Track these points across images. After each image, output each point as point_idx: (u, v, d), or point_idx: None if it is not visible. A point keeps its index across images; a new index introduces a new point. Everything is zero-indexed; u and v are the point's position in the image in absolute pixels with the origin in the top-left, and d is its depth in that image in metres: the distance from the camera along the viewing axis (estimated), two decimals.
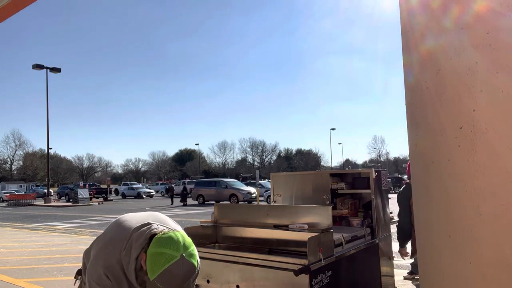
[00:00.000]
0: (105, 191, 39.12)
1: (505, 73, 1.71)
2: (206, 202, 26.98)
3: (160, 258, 1.49)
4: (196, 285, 3.06)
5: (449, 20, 1.87)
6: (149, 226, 1.66)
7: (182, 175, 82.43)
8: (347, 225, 3.89)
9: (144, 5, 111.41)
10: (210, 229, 3.59)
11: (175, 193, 29.39)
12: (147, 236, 1.60)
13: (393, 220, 4.41)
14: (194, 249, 1.59)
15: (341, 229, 3.58)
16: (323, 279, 2.88)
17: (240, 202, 24.35)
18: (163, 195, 41.79)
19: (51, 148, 41.87)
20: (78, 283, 1.90)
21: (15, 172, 79.06)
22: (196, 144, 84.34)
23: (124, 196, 42.33)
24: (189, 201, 28.28)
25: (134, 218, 1.75)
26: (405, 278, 5.75)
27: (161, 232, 1.61)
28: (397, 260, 6.59)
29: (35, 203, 31.99)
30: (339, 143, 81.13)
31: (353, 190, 4.07)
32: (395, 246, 4.27)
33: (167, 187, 37.83)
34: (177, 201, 28.28)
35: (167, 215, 1.93)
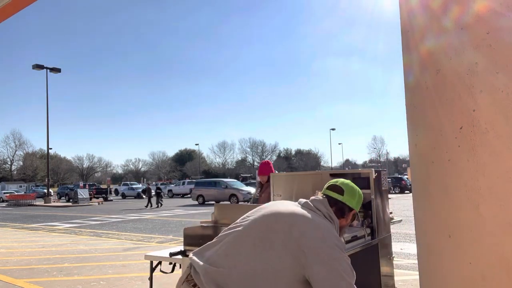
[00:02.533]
0: (105, 191, 39.09)
1: (505, 73, 1.71)
2: (206, 202, 26.98)
3: (358, 193, 1.98)
4: None
5: (449, 20, 1.87)
6: (311, 200, 1.90)
7: (182, 175, 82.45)
8: None
9: (144, 6, 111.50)
10: (210, 229, 3.59)
11: (152, 194, 26.74)
12: (323, 201, 1.88)
13: (393, 220, 4.40)
14: None
15: None
16: None
17: (240, 202, 24.36)
18: (163, 195, 41.75)
19: (51, 148, 41.88)
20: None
21: (15, 172, 79.07)
22: (196, 144, 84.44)
23: (124, 196, 42.31)
24: (186, 201, 27.56)
25: (288, 205, 1.85)
26: None
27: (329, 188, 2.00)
28: (397, 260, 6.60)
29: (35, 203, 31.99)
30: (339, 143, 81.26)
31: None
32: (395, 246, 4.27)
33: (144, 188, 34.79)
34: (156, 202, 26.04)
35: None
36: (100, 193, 38.00)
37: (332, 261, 1.57)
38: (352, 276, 1.60)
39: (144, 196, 35.40)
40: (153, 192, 27.01)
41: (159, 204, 25.76)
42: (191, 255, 1.81)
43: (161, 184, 51.11)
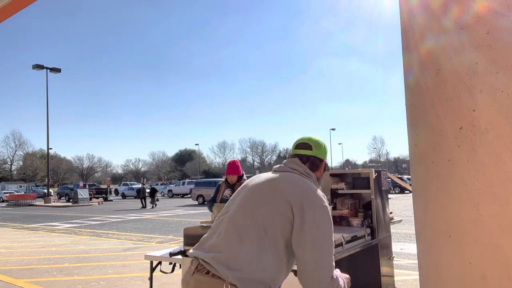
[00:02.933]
0: (105, 191, 39.09)
1: (505, 73, 1.71)
2: (206, 202, 26.93)
3: (323, 144, 2.07)
4: None
5: (449, 20, 1.87)
6: (284, 163, 2.01)
7: (182, 175, 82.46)
8: (347, 225, 3.89)
9: (144, 7, 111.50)
10: None
11: (146, 195, 26.28)
12: (295, 161, 1.98)
13: (393, 220, 4.40)
14: None
15: (341, 229, 3.58)
16: None
17: None
18: (163, 195, 41.72)
19: (51, 148, 41.88)
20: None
21: (15, 172, 79.05)
22: (196, 144, 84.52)
23: (124, 196, 42.30)
24: (186, 201, 27.22)
25: (265, 175, 1.99)
26: None
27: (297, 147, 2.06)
28: (397, 260, 6.60)
29: (35, 203, 32.00)
30: (339, 143, 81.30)
31: (353, 190, 4.07)
32: (395, 246, 4.26)
33: (138, 188, 33.75)
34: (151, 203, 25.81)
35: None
36: (100, 193, 38.00)
37: (317, 208, 1.77)
38: (332, 224, 1.82)
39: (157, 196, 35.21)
40: (149, 191, 26.65)
41: (153, 205, 25.41)
42: (191, 251, 1.86)
43: (161, 184, 51.07)
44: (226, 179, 4.80)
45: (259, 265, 1.67)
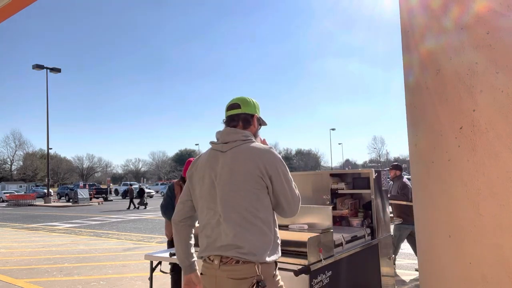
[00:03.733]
0: (105, 191, 39.06)
1: (505, 73, 1.71)
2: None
3: (251, 101, 2.18)
4: None
5: (449, 20, 1.87)
6: (224, 136, 2.10)
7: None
8: (347, 225, 3.89)
9: (144, 7, 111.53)
10: None
11: (134, 196, 25.60)
12: (228, 132, 2.10)
13: (393, 220, 4.40)
14: None
15: (341, 229, 3.58)
16: (323, 279, 2.88)
17: None
18: (163, 195, 41.62)
19: (51, 148, 41.88)
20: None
21: (15, 172, 79.03)
22: (196, 144, 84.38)
23: (124, 196, 42.26)
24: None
25: (215, 160, 2.11)
26: None
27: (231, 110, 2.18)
28: (397, 260, 6.60)
29: (35, 203, 31.99)
30: (339, 143, 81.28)
31: (353, 190, 4.07)
32: None
33: (126, 188, 32.46)
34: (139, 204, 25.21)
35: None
36: (100, 193, 37.99)
37: (278, 163, 2.04)
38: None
39: (145, 197, 34.51)
40: (137, 192, 25.99)
41: (143, 206, 24.75)
42: (199, 255, 2.07)
43: (161, 184, 51.02)
44: (181, 179, 4.24)
45: (265, 238, 1.98)
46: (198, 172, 2.11)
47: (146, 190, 41.74)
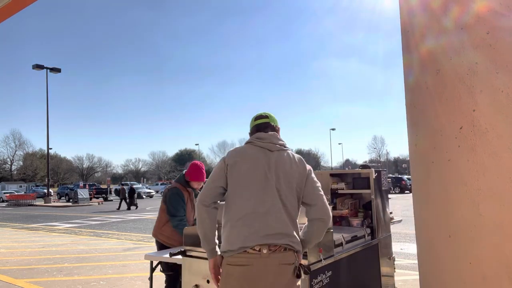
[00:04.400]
0: (105, 191, 39.05)
1: (505, 73, 1.71)
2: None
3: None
4: (196, 285, 3.06)
5: (449, 20, 1.87)
6: (271, 139, 2.34)
7: None
8: (347, 225, 3.89)
9: (144, 7, 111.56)
10: None
11: (126, 196, 24.80)
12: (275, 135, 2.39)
13: (393, 220, 4.41)
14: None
15: (341, 229, 3.58)
16: (323, 279, 2.88)
17: None
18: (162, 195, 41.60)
19: (51, 148, 41.81)
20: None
21: (15, 172, 79.04)
22: (196, 144, 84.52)
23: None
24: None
25: (263, 159, 2.33)
26: None
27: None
28: (397, 260, 6.60)
29: (35, 203, 31.99)
30: (339, 143, 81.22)
31: (353, 190, 4.07)
32: (395, 246, 4.26)
33: (118, 188, 31.50)
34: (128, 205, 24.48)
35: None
36: (100, 193, 37.97)
37: (311, 170, 2.37)
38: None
39: (136, 197, 33.48)
40: (128, 192, 25.14)
41: (134, 206, 24.21)
42: (240, 246, 2.09)
43: (161, 184, 51.00)
44: (186, 183, 4.00)
45: (298, 232, 2.21)
46: (247, 162, 2.20)
47: (147, 190, 41.78)
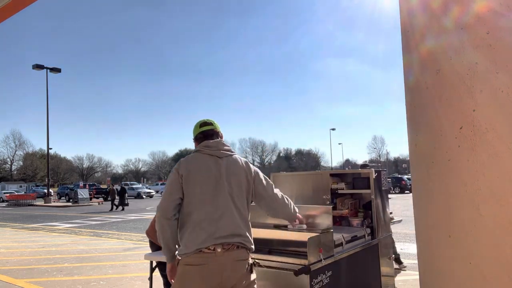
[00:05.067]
0: (105, 191, 39.01)
1: (505, 73, 1.71)
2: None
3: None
4: None
5: (449, 20, 1.87)
6: (216, 146, 2.50)
7: None
8: (347, 225, 3.89)
9: (143, 7, 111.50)
10: None
11: (115, 197, 24.41)
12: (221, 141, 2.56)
13: (393, 220, 4.40)
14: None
15: (341, 229, 3.58)
16: (323, 279, 2.88)
17: None
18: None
19: (51, 148, 41.78)
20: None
21: (15, 172, 78.99)
22: None
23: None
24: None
25: (212, 165, 2.54)
26: None
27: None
28: None
29: (35, 203, 32.00)
30: (339, 143, 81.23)
31: (353, 190, 4.07)
32: (395, 246, 4.26)
33: (107, 189, 30.41)
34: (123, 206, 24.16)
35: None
36: (100, 193, 37.96)
37: (258, 170, 2.63)
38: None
39: (148, 196, 32.40)
40: (118, 192, 24.79)
41: (122, 207, 23.77)
42: (197, 247, 2.27)
43: (161, 184, 50.92)
44: None
45: (251, 231, 2.42)
46: (200, 170, 2.37)
47: (147, 190, 41.61)
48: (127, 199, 25.11)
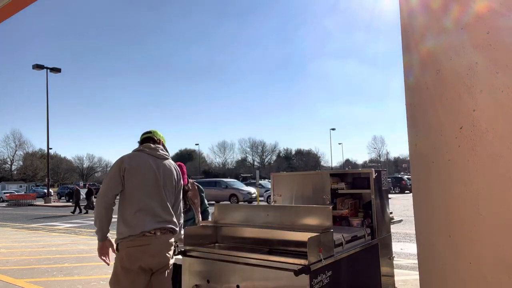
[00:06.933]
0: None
1: (505, 73, 1.71)
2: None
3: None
4: (196, 285, 3.06)
5: (449, 20, 1.87)
6: (155, 149, 3.06)
7: None
8: (347, 225, 3.89)
9: (143, 8, 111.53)
10: (210, 229, 3.59)
11: (81, 198, 22.46)
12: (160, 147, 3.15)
13: (393, 220, 4.41)
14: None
15: (341, 229, 3.58)
16: (323, 279, 2.88)
17: (240, 202, 24.35)
18: None
19: (51, 148, 41.81)
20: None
21: (15, 172, 79.01)
22: (196, 144, 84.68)
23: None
24: None
25: (152, 164, 3.07)
26: None
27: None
28: (397, 260, 6.60)
29: (35, 203, 31.98)
30: (339, 143, 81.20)
31: (353, 190, 4.07)
32: (395, 246, 4.26)
33: (70, 190, 28.09)
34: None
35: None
36: None
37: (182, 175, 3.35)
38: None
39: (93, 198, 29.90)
40: (85, 193, 23.20)
41: (86, 210, 21.82)
42: (141, 230, 2.79)
43: None
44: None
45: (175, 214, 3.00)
46: (141, 166, 2.86)
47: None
48: (94, 201, 23.76)
